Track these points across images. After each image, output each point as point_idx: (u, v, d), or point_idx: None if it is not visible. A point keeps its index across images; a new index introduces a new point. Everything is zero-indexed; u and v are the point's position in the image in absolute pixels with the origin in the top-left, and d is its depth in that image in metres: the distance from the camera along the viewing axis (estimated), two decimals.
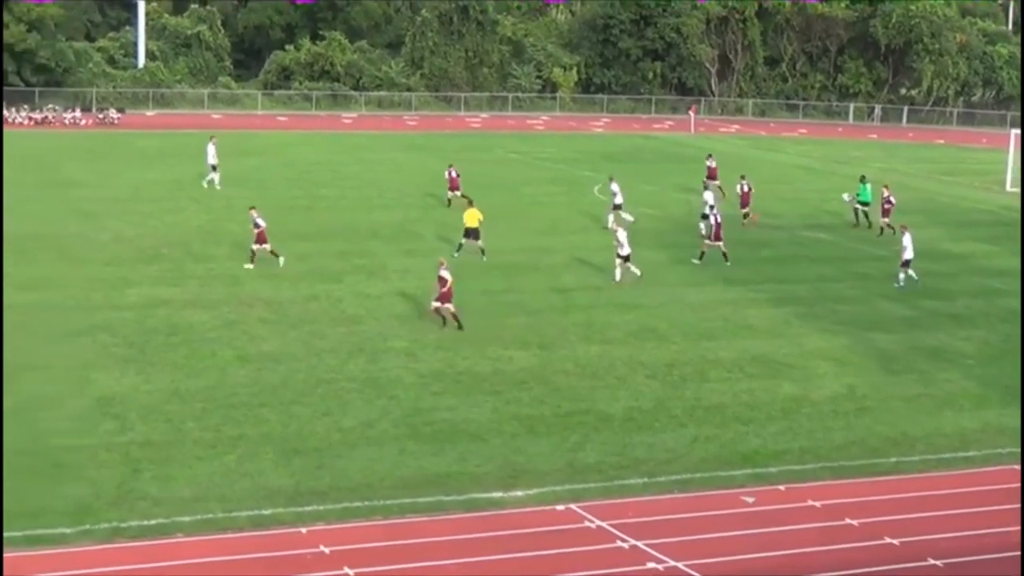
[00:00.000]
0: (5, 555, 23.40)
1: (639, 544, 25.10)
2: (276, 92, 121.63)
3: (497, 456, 29.69)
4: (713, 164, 71.43)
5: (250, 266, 47.84)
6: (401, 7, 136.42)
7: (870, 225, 60.96)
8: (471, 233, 51.28)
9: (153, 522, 25.22)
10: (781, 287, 48.65)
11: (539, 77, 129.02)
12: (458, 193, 62.90)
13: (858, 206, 62.18)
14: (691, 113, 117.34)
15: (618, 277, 47.61)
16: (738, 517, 26.86)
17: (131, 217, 58.20)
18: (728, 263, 51.48)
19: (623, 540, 25.31)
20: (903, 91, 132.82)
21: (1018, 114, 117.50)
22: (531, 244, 54.91)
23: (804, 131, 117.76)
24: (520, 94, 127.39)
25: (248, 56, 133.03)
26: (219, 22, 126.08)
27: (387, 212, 62.31)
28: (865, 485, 29.08)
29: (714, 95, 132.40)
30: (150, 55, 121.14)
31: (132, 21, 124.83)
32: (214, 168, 68.29)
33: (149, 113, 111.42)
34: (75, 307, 41.64)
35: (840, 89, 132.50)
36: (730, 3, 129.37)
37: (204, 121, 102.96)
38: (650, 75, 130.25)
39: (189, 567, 23.42)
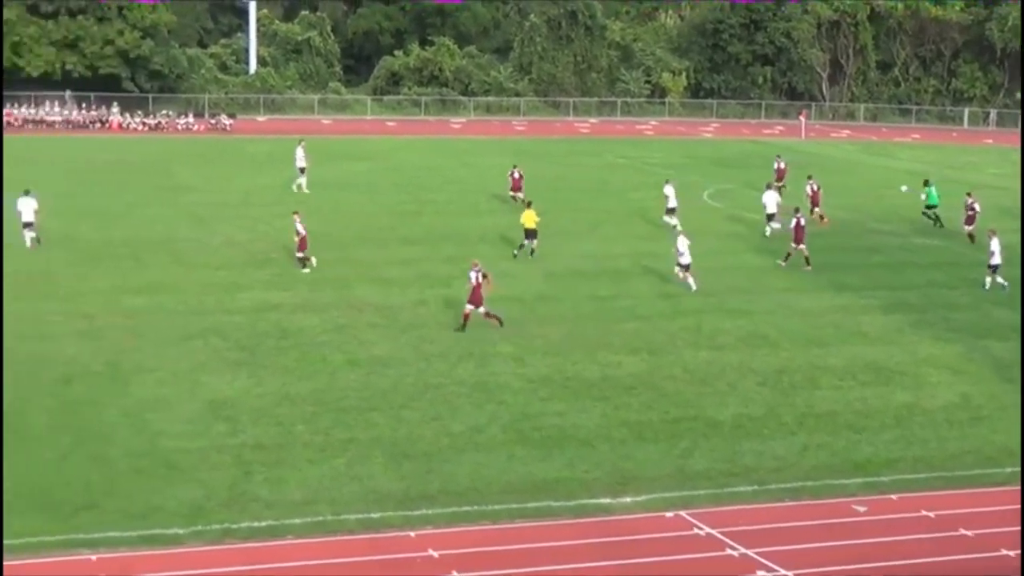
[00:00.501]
0: (121, 554, 23.81)
1: (749, 552, 24.89)
2: (385, 97, 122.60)
3: (605, 462, 29.59)
4: (782, 165, 71.46)
5: (307, 270, 48.26)
6: (510, 12, 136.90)
7: (934, 222, 62.14)
8: (529, 234, 52.08)
9: (264, 524, 25.43)
10: (892, 294, 48.08)
11: (648, 82, 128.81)
12: (520, 195, 63.29)
13: (927, 210, 62.40)
14: (802, 118, 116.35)
15: (693, 285, 46.98)
16: (849, 526, 26.54)
17: (242, 222, 58.93)
18: (808, 267, 51.33)
19: (733, 548, 25.12)
20: (1019, 95, 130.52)
21: None
22: (639, 249, 54.70)
23: (917, 136, 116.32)
24: (629, 99, 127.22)
25: (358, 61, 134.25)
26: (329, 28, 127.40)
27: (494, 217, 62.43)
28: (980, 495, 28.60)
29: (825, 100, 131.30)
30: (261, 61, 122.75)
31: (243, 28, 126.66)
32: (302, 171, 69.22)
33: (260, 119, 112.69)
34: (187, 311, 42.16)
35: (954, 94, 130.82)
36: (841, 7, 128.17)
37: (314, 126, 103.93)
38: (760, 80, 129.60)
39: (299, 569, 23.60)
